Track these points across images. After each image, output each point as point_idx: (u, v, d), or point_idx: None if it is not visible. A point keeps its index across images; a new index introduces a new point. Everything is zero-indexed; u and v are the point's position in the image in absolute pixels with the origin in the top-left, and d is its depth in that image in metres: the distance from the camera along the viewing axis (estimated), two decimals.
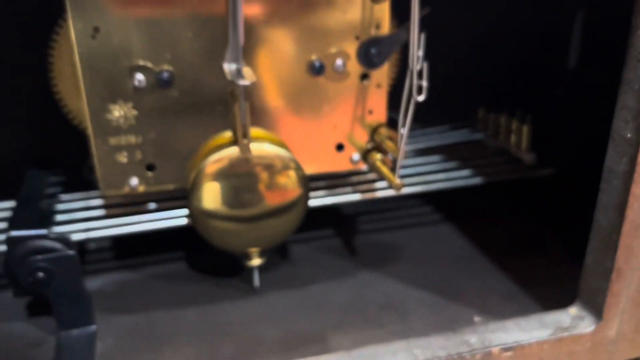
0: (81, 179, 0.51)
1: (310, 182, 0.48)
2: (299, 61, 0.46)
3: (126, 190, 0.46)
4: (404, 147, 0.45)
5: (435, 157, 0.57)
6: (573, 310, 0.43)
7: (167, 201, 0.49)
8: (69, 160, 0.52)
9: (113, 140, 0.44)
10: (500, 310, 0.47)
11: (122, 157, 0.45)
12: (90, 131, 0.44)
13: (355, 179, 0.53)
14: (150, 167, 0.46)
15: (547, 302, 0.47)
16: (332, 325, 0.47)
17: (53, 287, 0.44)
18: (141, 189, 0.46)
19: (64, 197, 0.51)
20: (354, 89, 0.47)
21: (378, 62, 0.46)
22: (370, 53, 0.46)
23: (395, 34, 0.46)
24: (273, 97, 0.46)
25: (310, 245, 0.57)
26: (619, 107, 0.37)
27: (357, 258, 0.55)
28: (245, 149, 0.44)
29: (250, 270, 0.50)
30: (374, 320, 0.47)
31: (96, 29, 0.41)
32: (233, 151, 0.45)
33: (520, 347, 0.41)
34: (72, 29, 0.41)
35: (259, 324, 0.48)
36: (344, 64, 0.46)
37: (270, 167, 0.45)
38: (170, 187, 0.47)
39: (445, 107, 0.59)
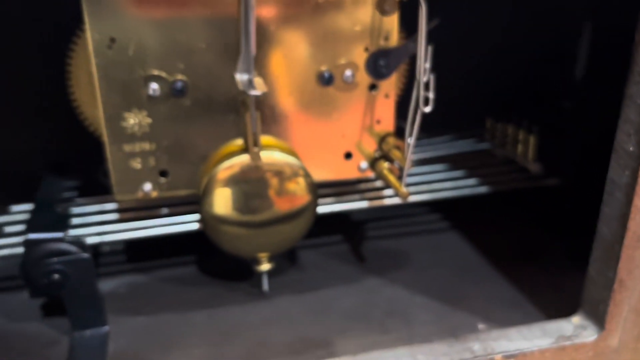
0: (96, 184, 0.52)
1: (318, 189, 0.49)
2: (309, 72, 0.46)
3: (140, 195, 0.47)
4: (410, 156, 0.46)
5: (442, 166, 0.57)
6: (576, 319, 0.44)
7: (179, 206, 0.50)
8: (84, 166, 0.53)
9: (127, 147, 0.45)
10: (504, 318, 0.47)
11: (136, 163, 0.46)
12: (105, 138, 0.45)
13: (363, 186, 0.54)
14: (163, 173, 0.47)
15: (550, 310, 0.48)
16: (337, 330, 0.48)
17: (67, 289, 0.45)
18: (154, 194, 0.47)
19: (79, 201, 0.51)
20: (362, 99, 0.48)
21: (386, 73, 0.47)
22: (379, 64, 0.47)
23: (403, 46, 0.47)
24: (283, 107, 0.47)
25: (318, 251, 0.58)
26: (621, 120, 0.38)
27: (364, 264, 0.56)
28: (255, 157, 0.45)
29: (259, 274, 0.51)
30: (378, 326, 0.48)
31: (113, 40, 0.42)
32: (244, 158, 0.45)
33: (522, 355, 0.41)
34: (90, 40, 0.42)
35: (267, 327, 0.48)
36: (353, 75, 0.47)
37: (279, 174, 0.46)
38: (182, 192, 0.48)
39: (453, 117, 0.60)
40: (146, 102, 0.44)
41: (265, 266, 0.49)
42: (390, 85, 0.48)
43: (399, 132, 0.48)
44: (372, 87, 0.48)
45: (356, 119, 0.49)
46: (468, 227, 0.61)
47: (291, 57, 0.46)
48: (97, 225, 0.49)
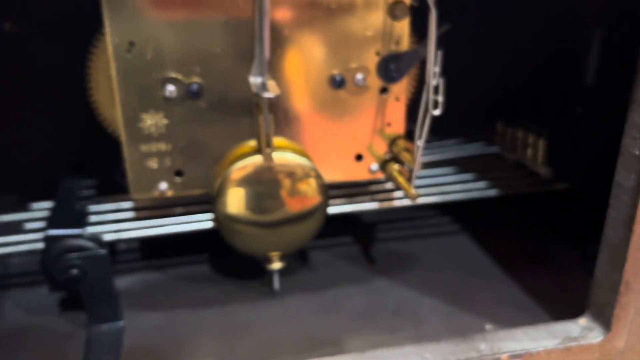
0: (113, 183, 0.53)
1: (329, 191, 0.50)
2: (321, 75, 0.47)
3: (155, 194, 0.48)
4: (420, 158, 0.47)
5: (452, 169, 0.58)
6: (582, 321, 0.44)
7: (193, 205, 0.51)
8: (102, 166, 0.54)
9: (144, 147, 0.46)
10: (512, 319, 0.48)
11: (153, 163, 0.47)
12: (123, 138, 0.46)
13: (373, 188, 0.54)
14: (178, 173, 0.48)
15: (558, 313, 0.48)
16: (346, 328, 0.48)
17: (85, 284, 0.46)
18: (170, 193, 0.48)
19: (97, 199, 0.53)
20: (373, 102, 0.49)
21: (397, 77, 0.48)
22: (390, 68, 0.47)
23: (414, 50, 0.47)
24: (296, 109, 0.48)
25: (329, 252, 0.58)
26: (628, 125, 0.38)
27: (374, 265, 0.56)
28: (268, 158, 0.46)
29: (271, 273, 0.51)
30: (387, 325, 0.49)
31: (131, 44, 0.43)
32: (257, 159, 0.46)
33: (528, 355, 0.42)
34: (110, 43, 0.43)
35: (277, 325, 0.49)
36: (364, 78, 0.48)
37: (291, 175, 0.47)
38: (197, 192, 0.49)
39: (464, 121, 0.60)
40: (163, 103, 0.45)
41: (276, 265, 0.50)
42: (401, 89, 0.49)
43: (410, 135, 0.49)
44: (383, 90, 0.49)
45: (367, 121, 0.49)
46: (477, 230, 0.61)
47: (304, 61, 0.47)
48: (114, 223, 0.50)
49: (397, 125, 0.50)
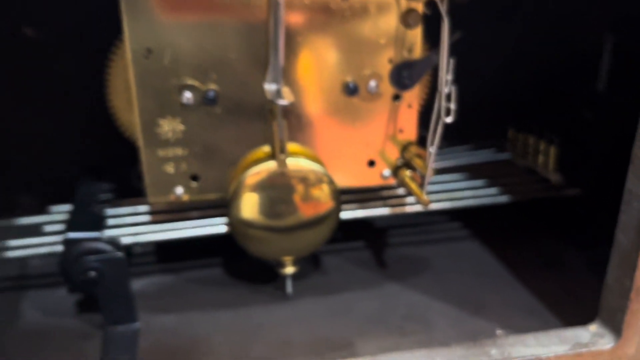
0: (130, 187, 0.53)
1: (342, 196, 0.50)
2: (335, 82, 0.48)
3: (172, 198, 0.49)
4: (432, 165, 0.47)
5: (463, 175, 0.58)
6: (593, 327, 0.44)
7: (208, 210, 0.51)
8: (119, 170, 0.55)
9: (161, 152, 0.47)
10: (522, 325, 0.48)
11: (169, 168, 0.48)
12: (140, 143, 0.47)
13: (385, 193, 0.55)
14: (194, 178, 0.49)
15: (568, 318, 0.48)
16: (358, 332, 0.49)
17: (102, 286, 0.47)
18: (185, 197, 0.49)
19: (114, 203, 0.53)
20: (386, 109, 0.49)
21: (409, 84, 0.48)
22: (402, 75, 0.48)
23: (426, 58, 0.48)
24: (309, 115, 0.49)
25: (341, 256, 0.59)
26: (638, 132, 0.39)
27: (385, 270, 0.57)
28: (282, 163, 0.47)
29: (284, 277, 0.52)
30: (398, 329, 0.49)
31: (149, 51, 0.44)
32: (271, 165, 0.47)
33: None
34: (128, 50, 0.44)
35: (290, 328, 0.50)
36: (377, 86, 0.48)
37: (304, 180, 0.48)
38: (212, 196, 0.49)
39: (476, 127, 0.61)
40: (180, 109, 0.46)
41: (289, 269, 0.51)
42: (413, 96, 0.50)
43: (422, 141, 0.50)
44: (396, 97, 0.49)
45: (380, 128, 0.50)
46: (488, 235, 0.62)
47: (317, 68, 0.47)
48: (131, 227, 0.50)
49: (409, 131, 0.51)
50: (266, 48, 0.44)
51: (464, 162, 0.61)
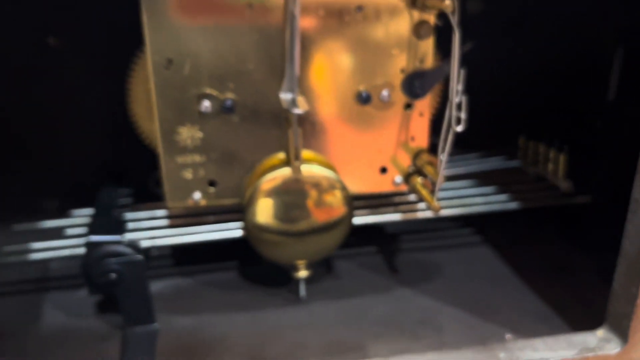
0: (149, 192, 0.55)
1: (355, 202, 0.51)
2: (348, 91, 0.49)
3: (190, 203, 0.50)
4: (442, 172, 0.48)
5: (474, 182, 0.59)
6: (600, 332, 0.45)
7: (224, 214, 0.53)
8: (138, 175, 0.57)
9: (180, 159, 0.48)
10: (532, 330, 0.48)
11: (188, 174, 0.49)
12: (160, 150, 0.48)
13: (397, 199, 0.56)
14: (211, 183, 0.50)
15: (577, 324, 0.49)
16: (370, 335, 0.50)
17: (122, 287, 0.48)
18: (203, 202, 0.50)
19: (133, 207, 0.55)
20: (398, 117, 0.50)
21: (421, 93, 0.49)
22: (414, 85, 0.49)
23: (437, 68, 0.49)
24: (324, 123, 0.50)
25: (354, 261, 0.60)
26: None
27: (397, 275, 0.58)
28: (296, 170, 0.48)
29: (297, 281, 0.53)
30: (409, 333, 0.50)
31: (170, 61, 0.46)
32: (286, 171, 0.48)
33: None
34: (150, 61, 0.45)
35: (303, 330, 0.50)
36: (389, 95, 0.49)
37: (318, 186, 0.49)
38: (228, 201, 0.50)
39: (488, 135, 0.62)
40: (198, 118, 0.47)
41: (302, 273, 0.52)
42: (425, 104, 0.50)
43: (433, 149, 0.50)
44: (408, 106, 0.50)
45: (392, 135, 0.51)
46: (499, 242, 0.62)
47: (332, 78, 0.48)
48: (150, 230, 0.52)
49: (421, 139, 0.52)
50: (282, 58, 0.46)
51: (475, 169, 0.62)
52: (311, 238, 0.50)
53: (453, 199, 0.57)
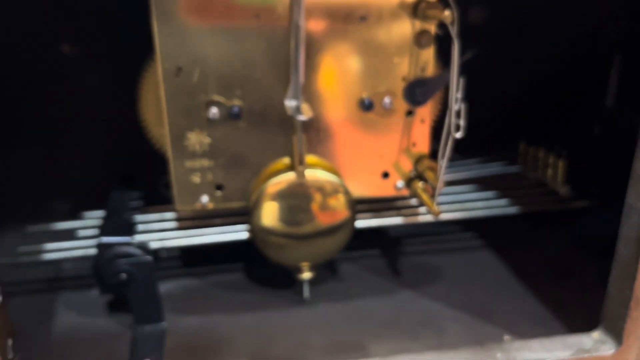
0: (158, 195, 0.56)
1: (357, 206, 0.53)
2: (351, 98, 0.50)
3: (198, 206, 0.51)
4: (442, 177, 0.50)
5: (475, 187, 0.60)
6: (596, 334, 0.46)
7: (231, 217, 0.54)
8: (148, 179, 0.58)
9: (189, 163, 0.50)
10: (530, 331, 0.49)
11: (196, 178, 0.50)
12: (169, 155, 0.49)
13: (399, 204, 0.57)
14: (219, 187, 0.51)
15: (575, 326, 0.49)
16: (372, 336, 0.51)
17: (132, 287, 0.50)
18: (210, 205, 0.51)
19: (143, 210, 0.56)
20: (399, 124, 0.51)
21: (422, 101, 0.50)
22: (415, 93, 0.50)
23: (438, 76, 0.50)
24: (327, 129, 0.51)
25: (358, 264, 0.61)
26: (638, 150, 0.41)
27: (400, 277, 0.59)
28: (301, 175, 0.49)
29: (301, 282, 0.54)
30: (410, 334, 0.51)
31: (179, 69, 0.47)
32: (290, 176, 0.50)
33: None
34: (160, 68, 0.47)
35: (307, 331, 0.52)
36: (391, 102, 0.50)
37: (322, 190, 0.50)
38: (235, 205, 0.52)
39: (490, 141, 0.63)
40: (206, 124, 0.49)
41: (306, 275, 0.53)
42: (426, 112, 0.52)
43: (434, 154, 0.51)
44: (409, 113, 0.51)
45: (394, 141, 0.52)
46: (500, 246, 0.63)
47: (335, 85, 0.50)
48: (159, 232, 0.53)
49: (422, 145, 0.53)
50: (287, 66, 0.47)
51: (476, 174, 0.63)
52: (315, 240, 0.51)
53: (455, 203, 0.58)
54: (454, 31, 0.45)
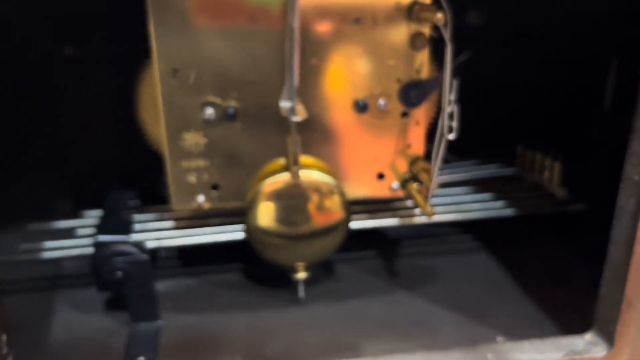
0: (155, 195, 0.56)
1: (352, 207, 0.53)
2: (346, 100, 0.50)
3: (194, 206, 0.52)
4: (435, 178, 0.50)
5: (472, 188, 0.60)
6: (588, 336, 0.46)
7: (227, 217, 0.54)
8: (145, 178, 0.58)
9: (185, 163, 0.50)
10: (524, 333, 0.49)
11: (192, 178, 0.51)
12: (166, 155, 0.50)
13: (394, 205, 0.57)
14: (215, 187, 0.51)
15: (568, 328, 0.49)
16: (366, 336, 0.51)
17: (128, 285, 0.50)
18: (206, 205, 0.52)
19: (141, 209, 0.57)
20: (394, 126, 0.52)
21: (417, 102, 0.50)
22: (410, 94, 0.50)
23: (433, 78, 0.50)
24: (322, 131, 0.51)
25: (353, 265, 0.61)
26: (629, 153, 0.41)
27: (395, 278, 0.59)
28: (296, 175, 0.50)
29: (296, 282, 0.54)
30: (404, 334, 0.51)
31: (176, 70, 0.48)
32: (285, 177, 0.50)
33: None
34: (157, 70, 0.47)
35: (302, 330, 0.52)
36: (386, 104, 0.51)
37: (317, 191, 0.50)
38: (231, 205, 0.52)
39: (488, 143, 0.63)
40: (202, 124, 0.49)
41: (301, 275, 0.53)
42: (421, 113, 0.52)
43: (429, 156, 0.51)
44: (404, 114, 0.52)
45: (389, 143, 0.52)
46: (496, 248, 0.63)
47: (330, 87, 0.50)
48: (155, 231, 0.54)
49: (417, 146, 0.53)
50: (282, 68, 0.48)
51: (473, 176, 0.63)
52: (310, 241, 0.52)
53: (451, 204, 0.58)
54: (446, 33, 0.45)
